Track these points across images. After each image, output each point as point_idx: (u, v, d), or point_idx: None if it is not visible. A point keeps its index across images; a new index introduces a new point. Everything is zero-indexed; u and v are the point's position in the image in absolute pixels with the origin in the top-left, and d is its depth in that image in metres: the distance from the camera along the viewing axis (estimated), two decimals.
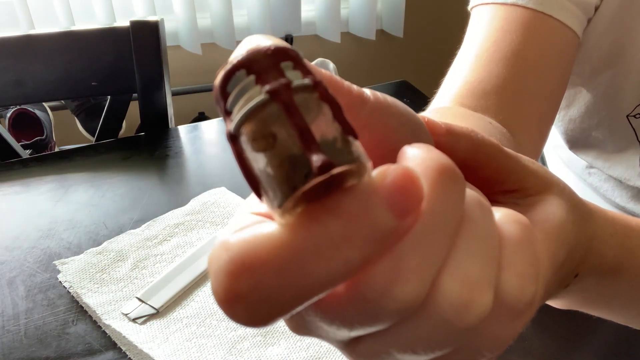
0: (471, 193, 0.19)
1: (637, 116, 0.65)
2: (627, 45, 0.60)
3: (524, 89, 0.55)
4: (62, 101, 1.68)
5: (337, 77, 0.19)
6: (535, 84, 0.56)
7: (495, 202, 0.25)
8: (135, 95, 0.98)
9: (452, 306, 0.17)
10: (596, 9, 0.58)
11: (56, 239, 0.67)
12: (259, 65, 0.16)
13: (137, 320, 0.55)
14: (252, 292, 0.15)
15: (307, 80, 0.16)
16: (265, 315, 0.15)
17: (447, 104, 0.55)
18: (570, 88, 0.69)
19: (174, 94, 1.52)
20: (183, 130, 0.92)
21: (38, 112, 1.61)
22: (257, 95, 0.15)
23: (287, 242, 0.15)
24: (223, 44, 1.75)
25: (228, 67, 0.16)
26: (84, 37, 0.95)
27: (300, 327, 0.19)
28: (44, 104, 1.66)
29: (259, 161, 0.15)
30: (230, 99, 0.16)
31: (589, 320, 0.38)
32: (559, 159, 0.85)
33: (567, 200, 0.26)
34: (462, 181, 0.18)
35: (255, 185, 0.16)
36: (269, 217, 0.18)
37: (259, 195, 0.16)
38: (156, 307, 0.56)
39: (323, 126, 0.15)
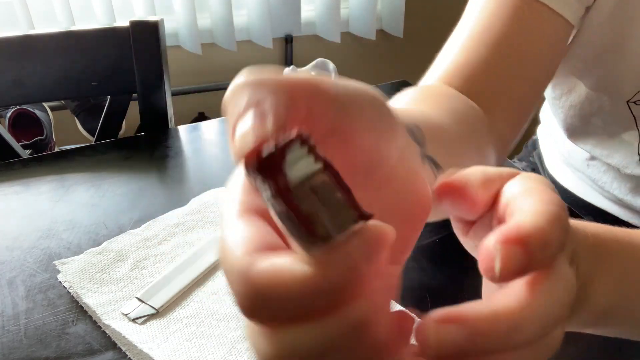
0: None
1: (638, 102, 0.66)
2: (628, 31, 0.61)
3: (508, 73, 0.57)
4: (62, 101, 1.68)
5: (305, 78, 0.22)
6: (519, 69, 0.57)
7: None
8: (135, 95, 0.98)
9: None
10: None
11: (56, 239, 0.67)
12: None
13: (137, 320, 0.55)
14: (266, 313, 0.20)
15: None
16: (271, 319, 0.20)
17: (434, 82, 0.57)
18: (571, 74, 0.70)
19: (174, 94, 1.52)
20: (183, 130, 0.92)
21: (38, 112, 1.61)
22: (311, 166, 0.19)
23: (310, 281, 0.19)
24: (223, 44, 1.75)
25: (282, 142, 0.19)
26: (84, 37, 0.95)
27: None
28: (44, 104, 1.66)
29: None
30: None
31: None
32: (559, 154, 0.85)
33: None
34: None
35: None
36: (261, 214, 0.22)
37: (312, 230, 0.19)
38: (156, 307, 0.56)
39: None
